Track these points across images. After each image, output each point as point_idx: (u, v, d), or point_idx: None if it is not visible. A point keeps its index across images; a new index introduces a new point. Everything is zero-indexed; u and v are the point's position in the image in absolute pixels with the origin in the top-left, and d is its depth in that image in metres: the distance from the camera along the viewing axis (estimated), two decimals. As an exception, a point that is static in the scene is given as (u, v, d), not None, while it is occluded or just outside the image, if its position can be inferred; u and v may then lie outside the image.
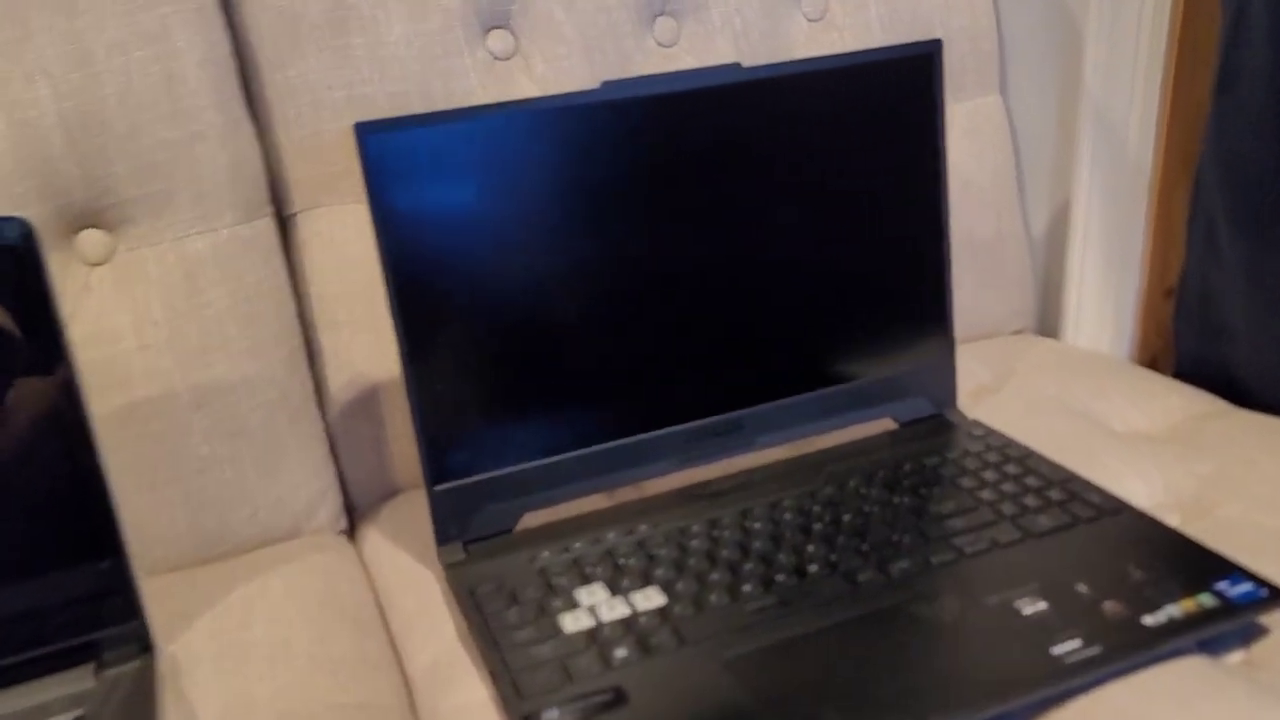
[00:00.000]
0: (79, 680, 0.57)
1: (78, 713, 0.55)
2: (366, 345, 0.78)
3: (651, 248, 0.68)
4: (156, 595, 0.68)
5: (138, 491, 0.71)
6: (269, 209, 0.76)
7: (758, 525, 0.66)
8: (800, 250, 0.72)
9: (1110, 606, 0.55)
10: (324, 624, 0.64)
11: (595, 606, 0.59)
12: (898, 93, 0.72)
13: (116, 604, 0.59)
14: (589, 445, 0.69)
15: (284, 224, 0.79)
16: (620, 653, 0.55)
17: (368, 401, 0.79)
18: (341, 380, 0.79)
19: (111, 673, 0.58)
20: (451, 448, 0.65)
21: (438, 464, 0.65)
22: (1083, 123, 0.93)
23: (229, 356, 0.73)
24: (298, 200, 0.78)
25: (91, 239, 0.71)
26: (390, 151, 0.61)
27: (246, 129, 0.74)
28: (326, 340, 0.78)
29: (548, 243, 0.65)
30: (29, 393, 0.55)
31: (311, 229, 0.78)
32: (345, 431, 0.79)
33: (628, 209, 0.67)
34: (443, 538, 0.66)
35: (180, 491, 0.72)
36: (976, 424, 0.76)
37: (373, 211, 0.62)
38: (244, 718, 0.57)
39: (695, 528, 0.66)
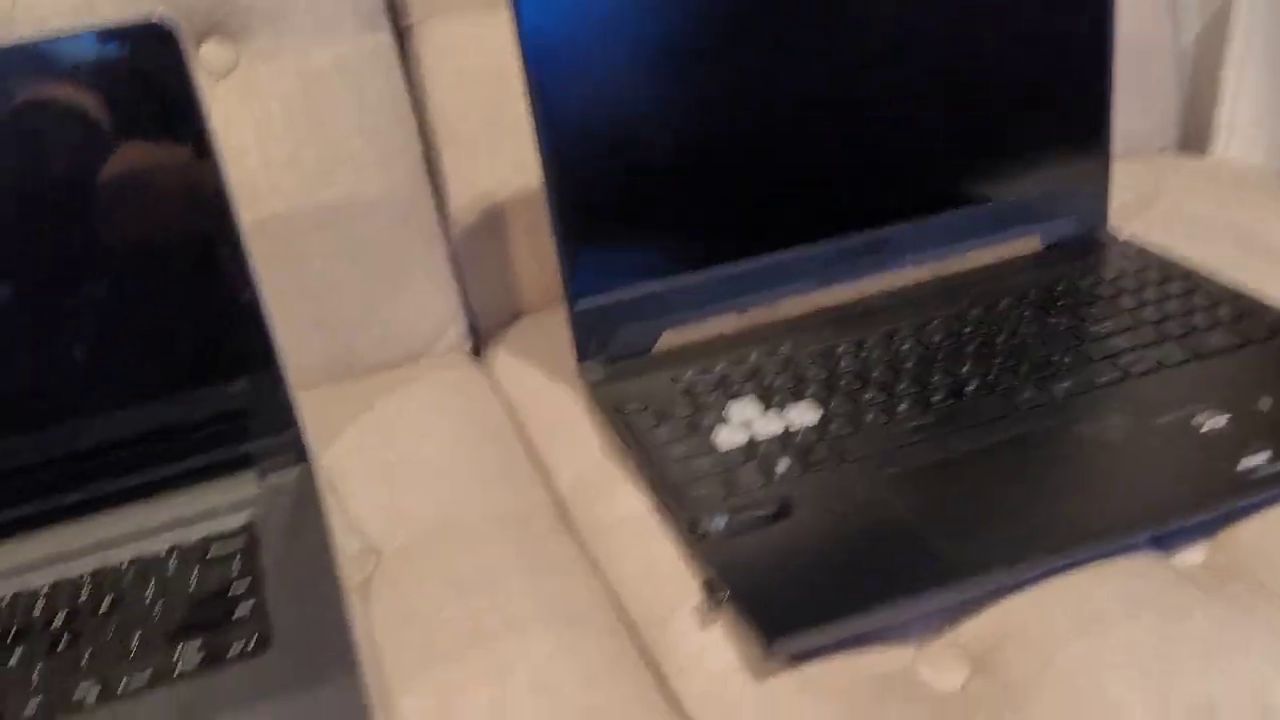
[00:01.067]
0: (244, 486, 0.58)
1: (246, 515, 0.56)
2: (489, 163, 0.76)
3: (794, 60, 0.64)
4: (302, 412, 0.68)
5: (273, 309, 0.71)
6: (386, 19, 0.73)
7: (906, 346, 0.64)
8: (946, 58, 0.67)
9: (1299, 421, 0.53)
10: (467, 440, 0.65)
11: (749, 421, 0.58)
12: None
13: (273, 414, 0.59)
14: (728, 263, 0.66)
15: (401, 36, 0.76)
16: (781, 466, 0.55)
17: (492, 222, 0.77)
18: (464, 199, 0.77)
19: (273, 479, 0.59)
20: (591, 263, 0.64)
21: (580, 279, 0.64)
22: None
23: (353, 173, 0.71)
24: (415, 10, 0.75)
25: (214, 51, 0.68)
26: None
27: (363, -67, 0.71)
28: (449, 158, 0.76)
29: (689, 58, 0.62)
30: (182, 201, 0.54)
31: (429, 41, 0.75)
32: (470, 251, 0.78)
33: (771, 22, 0.62)
34: (584, 355, 0.65)
35: (310, 310, 0.71)
36: (1130, 243, 0.73)
37: (515, 14, 0.58)
38: (402, 527, 0.58)
39: (841, 348, 0.64)
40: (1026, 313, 0.66)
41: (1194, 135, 0.96)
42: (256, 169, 0.69)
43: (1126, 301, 0.65)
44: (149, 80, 0.52)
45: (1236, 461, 0.51)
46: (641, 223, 0.64)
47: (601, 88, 0.61)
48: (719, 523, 0.51)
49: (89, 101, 0.52)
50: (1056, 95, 0.70)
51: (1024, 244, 0.74)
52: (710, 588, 0.48)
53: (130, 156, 0.53)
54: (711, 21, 0.62)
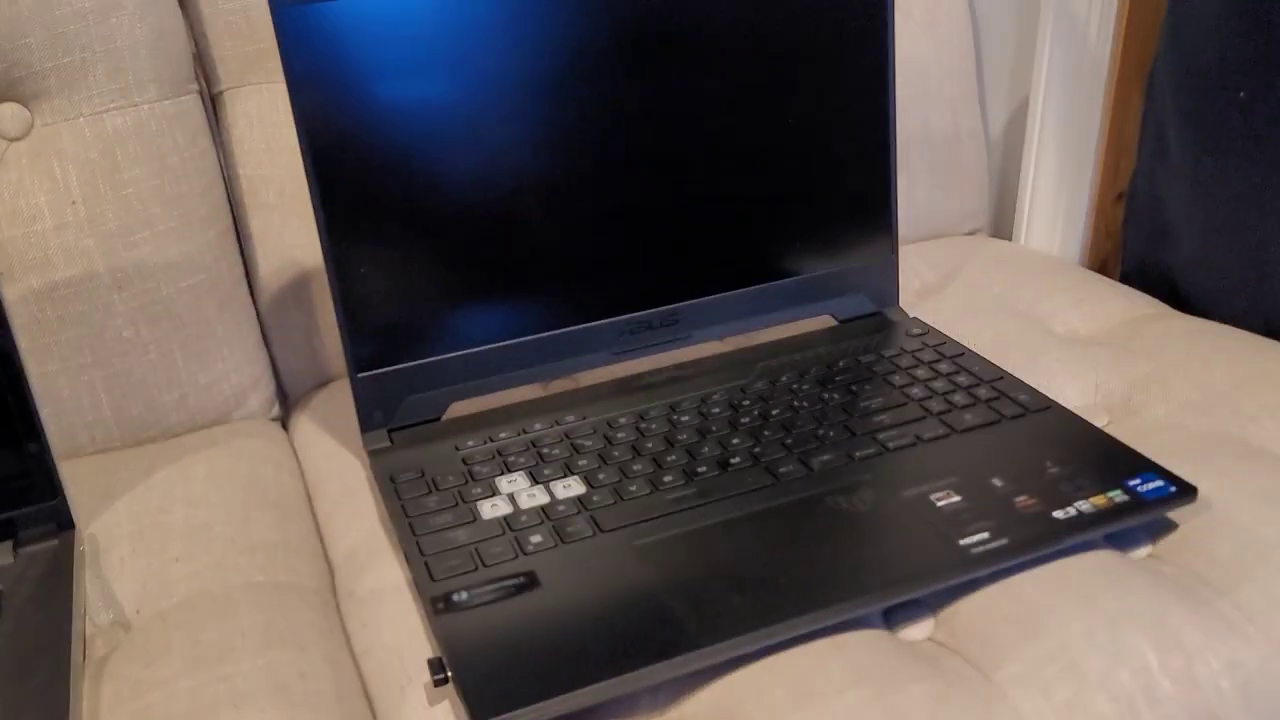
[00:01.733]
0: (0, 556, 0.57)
1: (-7, 587, 0.55)
2: (298, 229, 0.77)
3: (587, 134, 0.66)
4: (79, 477, 0.67)
5: (62, 374, 0.70)
6: (194, 86, 0.74)
7: (685, 418, 0.66)
8: (741, 143, 0.70)
9: (1023, 501, 0.56)
10: (246, 508, 0.64)
11: (515, 494, 0.59)
12: (845, -22, 0.69)
13: (35, 483, 0.59)
14: (519, 335, 0.68)
15: (213, 102, 0.77)
16: (535, 539, 0.55)
17: (300, 287, 0.78)
18: (272, 265, 0.77)
19: (29, 550, 0.58)
20: (376, 334, 0.64)
21: (361, 350, 0.64)
22: (1043, 21, 0.90)
23: (154, 237, 0.71)
24: (225, 78, 0.76)
25: (7, 112, 0.68)
26: (308, 26, 0.59)
27: (168, 0, 0.71)
28: (256, 224, 0.76)
29: (477, 126, 0.63)
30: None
31: (240, 108, 0.76)
32: (277, 317, 0.78)
33: (561, 93, 0.65)
34: (366, 425, 0.66)
35: (105, 374, 0.71)
36: (917, 322, 0.76)
37: (290, 88, 0.59)
38: (161, 596, 0.57)
39: (623, 419, 0.66)
40: (805, 387, 0.68)
41: (1004, 222, 1.01)
42: (49, 231, 0.69)
43: (899, 379, 0.68)
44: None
45: (960, 537, 0.53)
46: (427, 294, 0.65)
47: (382, 159, 0.62)
48: (462, 597, 0.52)
49: None
50: (844, 181, 0.73)
51: (820, 320, 0.77)
52: (432, 666, 0.48)
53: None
54: (499, 94, 0.63)
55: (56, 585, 0.56)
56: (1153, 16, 0.86)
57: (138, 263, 0.71)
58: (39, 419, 0.58)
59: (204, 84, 0.76)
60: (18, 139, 0.68)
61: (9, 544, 0.58)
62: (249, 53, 0.75)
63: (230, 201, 0.76)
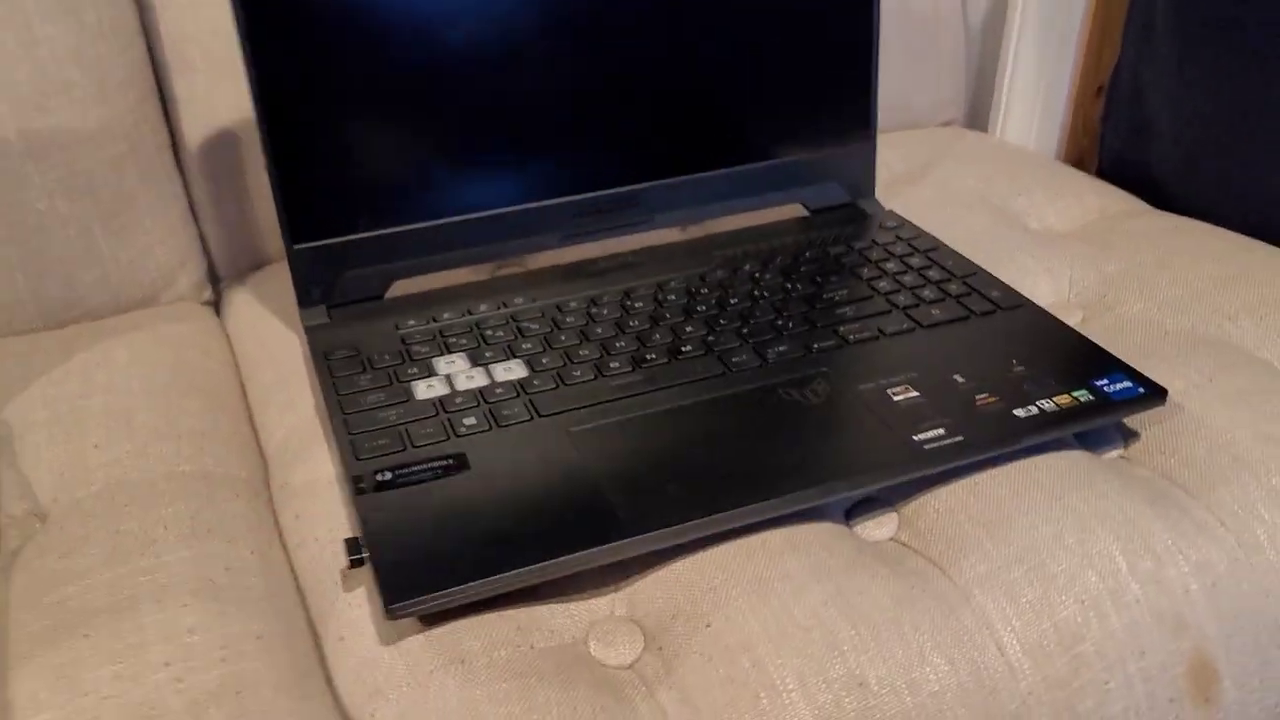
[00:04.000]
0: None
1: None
2: (228, 93, 0.71)
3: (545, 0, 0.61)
4: (-8, 358, 0.63)
5: (-31, 248, 0.65)
6: (111, -67, 0.67)
7: (639, 305, 0.62)
8: (714, 16, 0.65)
9: (983, 399, 0.53)
10: (170, 395, 0.60)
11: (452, 376, 0.56)
12: None
13: (-67, 362, 0.54)
14: (468, 212, 0.63)
15: (131, -46, 0.70)
16: (469, 421, 0.52)
17: (231, 157, 0.72)
18: (200, 133, 0.71)
19: (-71, 434, 0.54)
20: (314, 203, 0.60)
21: (298, 220, 0.60)
22: (1033, -106, 0.85)
23: (70, 103, 0.65)
24: (144, -76, 0.69)
25: (-102, -45, 0.61)
26: None
27: None
28: (181, 87, 0.70)
29: (421, -17, 0.58)
30: None
31: (161, -41, 0.69)
32: (207, 191, 0.73)
33: (513, -52, 0.59)
34: (304, 300, 0.62)
35: (20, 251, 0.66)
36: (891, 214, 0.72)
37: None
38: (77, 485, 0.53)
39: (573, 304, 0.62)
40: (768, 277, 0.65)
41: (979, 113, 0.97)
42: (-47, 91, 0.63)
43: (867, 271, 0.65)
44: None
45: (914, 433, 0.51)
46: (368, 164, 0.60)
47: (321, 13, 0.57)
48: (385, 476, 0.48)
49: None
50: (823, 62, 0.69)
51: (791, 209, 0.73)
52: (349, 546, 0.45)
53: None
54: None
55: (-38, 471, 0.52)
56: (1147, -106, 0.82)
57: (53, 129, 0.65)
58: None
59: (122, -68, 0.69)
60: (-89, -14, 0.62)
61: (-89, 427, 0.54)
62: (170, -103, 0.68)
63: (153, 64, 0.70)
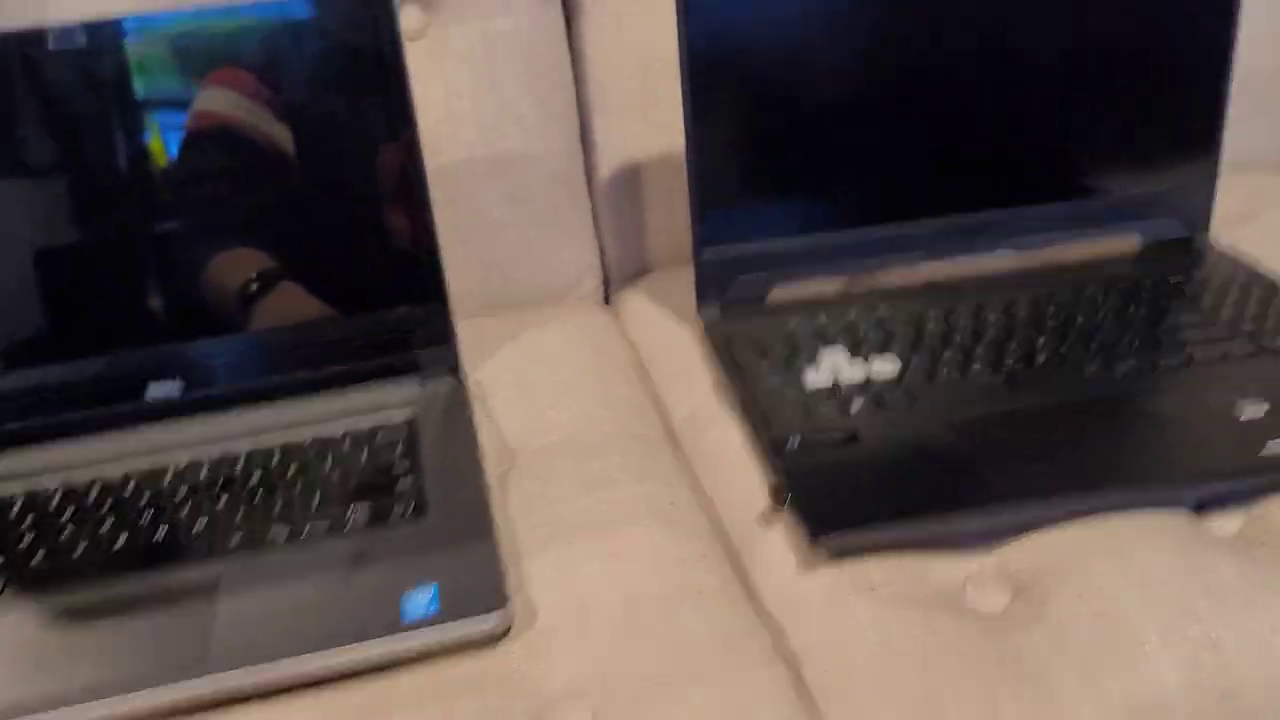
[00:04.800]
0: (408, 389, 0.69)
1: (408, 412, 0.67)
2: (635, 132, 0.85)
3: (923, 41, 0.71)
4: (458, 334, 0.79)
5: (444, 248, 0.82)
6: (558, -2, 0.83)
7: (991, 318, 0.71)
8: (1072, 58, 0.73)
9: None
10: (597, 371, 0.74)
11: (837, 367, 0.67)
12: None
13: (436, 332, 0.70)
14: (843, 229, 0.74)
15: (569, 14, 0.86)
16: (856, 404, 0.63)
17: (632, 184, 0.87)
18: (610, 164, 0.86)
19: (431, 387, 0.70)
20: (720, 216, 0.72)
21: (707, 230, 0.72)
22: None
23: (521, 131, 0.81)
24: (581, -9, 0.85)
25: (410, 14, 0.79)
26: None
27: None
28: (599, 124, 0.85)
29: (830, 31, 0.70)
30: (381, 149, 0.65)
31: (591, 18, 0.84)
32: (610, 211, 0.87)
33: (907, 5, 0.70)
34: (703, 298, 0.74)
35: (477, 247, 0.82)
36: (1225, 252, 0.77)
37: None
38: (540, 433, 0.67)
39: (932, 313, 0.72)
40: (1111, 299, 0.72)
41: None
42: (441, 121, 0.80)
43: (1207, 300, 0.71)
44: (361, 37, 0.63)
45: (1259, 446, 0.57)
46: (768, 184, 0.73)
47: (747, 53, 0.69)
48: (794, 441, 0.60)
49: (309, 55, 0.64)
50: (1172, 99, 0.75)
51: (1123, 241, 0.79)
52: (774, 491, 0.57)
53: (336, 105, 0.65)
54: (846, 7, 0.69)
55: (457, 415, 0.67)
56: None
57: (507, 153, 0.81)
58: (443, 276, 0.69)
59: (563, -4, 0.85)
60: (417, 38, 0.80)
61: (416, 378, 0.70)
62: (606, -33, 0.83)
63: (579, 104, 0.85)
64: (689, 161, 0.71)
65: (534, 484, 0.62)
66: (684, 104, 0.69)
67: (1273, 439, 0.57)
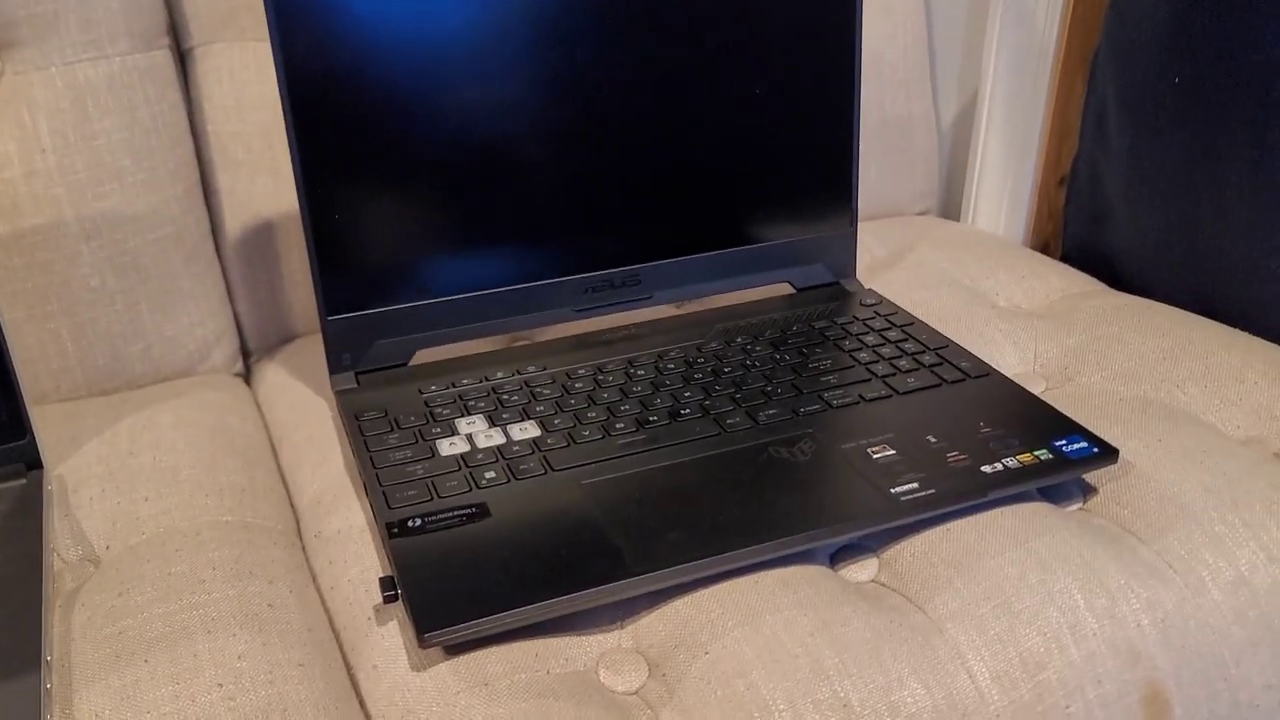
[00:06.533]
0: (-39, 491, 0.58)
1: (-41, 520, 0.56)
2: (265, 187, 0.78)
3: (561, 94, 0.68)
4: (47, 421, 0.68)
5: (28, 321, 0.71)
6: (166, 40, 0.75)
7: (641, 372, 0.68)
8: (710, 112, 0.72)
9: (954, 456, 0.59)
10: (212, 454, 0.65)
11: (473, 435, 0.61)
12: (807, -44, 0.72)
13: (4, 422, 0.59)
14: (486, 288, 0.70)
15: (183, 59, 0.78)
16: (489, 474, 0.58)
17: (265, 244, 0.79)
18: (239, 221, 0.78)
19: (1, 488, 0.59)
20: (347, 278, 0.66)
21: (333, 294, 0.66)
22: (993, 11, 0.94)
23: (123, 189, 0.72)
24: (196, 34, 0.77)
25: (-23, 58, 0.69)
26: (285, -21, 0.60)
27: (141, -47, 0.72)
28: (224, 180, 0.77)
29: (453, 84, 0.65)
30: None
31: (210, 64, 0.77)
32: (242, 273, 0.79)
33: (538, 53, 0.67)
34: (335, 367, 0.67)
35: (71, 323, 0.72)
36: (871, 293, 0.79)
37: (273, 32, 0.61)
38: (131, 533, 0.58)
39: (581, 371, 0.68)
40: (758, 349, 0.71)
41: (953, 203, 1.05)
42: (19, 179, 0.69)
43: (849, 344, 0.71)
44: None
45: (891, 486, 0.56)
46: (398, 243, 0.67)
47: (359, 108, 0.64)
48: (416, 522, 0.54)
49: None
50: (809, 154, 0.76)
51: (779, 288, 0.79)
52: (383, 584, 0.50)
53: None
54: (476, 50, 0.65)
55: (25, 521, 0.57)
56: (1097, 6, 0.90)
57: (106, 213, 0.71)
58: (9, 359, 0.59)
59: (175, 40, 0.77)
60: (-13, 86, 0.69)
61: (-23, 481, 0.59)
62: (221, 10, 0.76)
63: (199, 158, 0.77)
64: (304, 220, 0.64)
65: (108, 595, 0.53)
66: (292, 157, 0.63)
67: (900, 482, 0.57)
